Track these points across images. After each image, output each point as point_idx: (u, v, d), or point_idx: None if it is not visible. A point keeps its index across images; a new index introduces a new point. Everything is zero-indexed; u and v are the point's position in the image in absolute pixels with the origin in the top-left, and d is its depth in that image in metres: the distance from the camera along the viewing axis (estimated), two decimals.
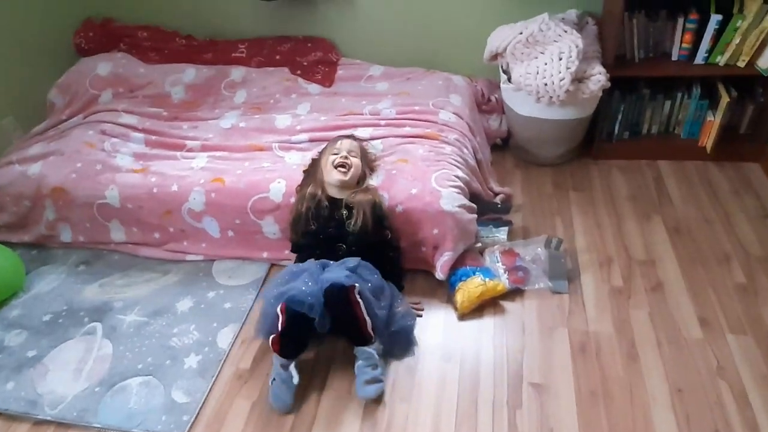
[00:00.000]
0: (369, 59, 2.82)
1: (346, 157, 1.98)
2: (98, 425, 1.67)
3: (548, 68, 2.24)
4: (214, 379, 1.78)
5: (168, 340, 1.91)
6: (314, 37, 2.86)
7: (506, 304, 1.96)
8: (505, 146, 2.72)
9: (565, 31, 2.28)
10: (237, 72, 2.77)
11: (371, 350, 1.71)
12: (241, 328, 1.94)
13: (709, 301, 1.91)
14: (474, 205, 2.08)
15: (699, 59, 2.36)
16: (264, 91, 2.68)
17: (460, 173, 2.11)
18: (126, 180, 2.20)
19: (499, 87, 2.56)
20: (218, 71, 2.78)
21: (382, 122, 2.39)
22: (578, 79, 2.27)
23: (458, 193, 2.02)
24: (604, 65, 2.31)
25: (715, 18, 2.25)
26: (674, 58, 2.42)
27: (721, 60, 2.33)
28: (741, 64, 2.31)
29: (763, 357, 1.72)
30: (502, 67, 2.48)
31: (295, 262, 1.92)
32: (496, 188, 2.39)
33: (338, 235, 1.88)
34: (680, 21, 2.33)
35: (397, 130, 2.32)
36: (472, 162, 2.28)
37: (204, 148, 2.35)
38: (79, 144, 2.36)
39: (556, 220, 2.30)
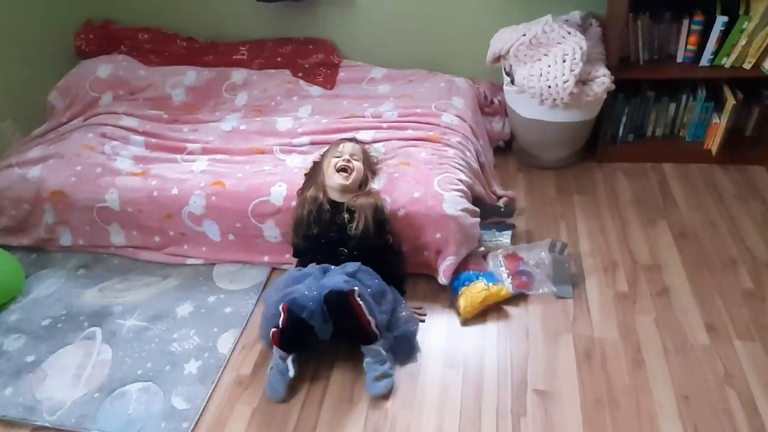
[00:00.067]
0: (371, 61, 2.80)
1: (348, 161, 1.97)
2: None
3: (552, 70, 2.22)
4: (214, 385, 1.76)
5: (168, 346, 1.89)
6: (316, 39, 2.84)
7: (510, 309, 1.94)
8: (508, 149, 2.70)
9: (569, 33, 2.26)
10: (238, 74, 2.76)
11: (378, 347, 1.71)
12: (241, 333, 1.92)
13: (715, 307, 1.88)
14: (477, 209, 2.05)
15: (704, 61, 2.34)
16: (265, 93, 2.67)
17: (462, 176, 2.09)
18: (126, 183, 2.19)
19: (502, 89, 2.54)
20: (219, 73, 2.76)
21: (384, 125, 2.37)
22: (582, 81, 2.25)
23: (461, 196, 2.00)
24: (609, 67, 2.29)
25: (720, 19, 2.23)
26: (679, 60, 2.40)
27: (727, 62, 2.31)
28: (747, 66, 2.29)
29: None
30: (505, 69, 2.46)
31: (296, 267, 1.91)
32: (499, 192, 2.37)
33: (340, 239, 1.86)
34: (685, 22, 2.31)
35: (399, 132, 2.31)
36: (475, 165, 2.26)
37: (204, 151, 2.34)
38: (79, 147, 2.34)
39: (560, 224, 2.27)
